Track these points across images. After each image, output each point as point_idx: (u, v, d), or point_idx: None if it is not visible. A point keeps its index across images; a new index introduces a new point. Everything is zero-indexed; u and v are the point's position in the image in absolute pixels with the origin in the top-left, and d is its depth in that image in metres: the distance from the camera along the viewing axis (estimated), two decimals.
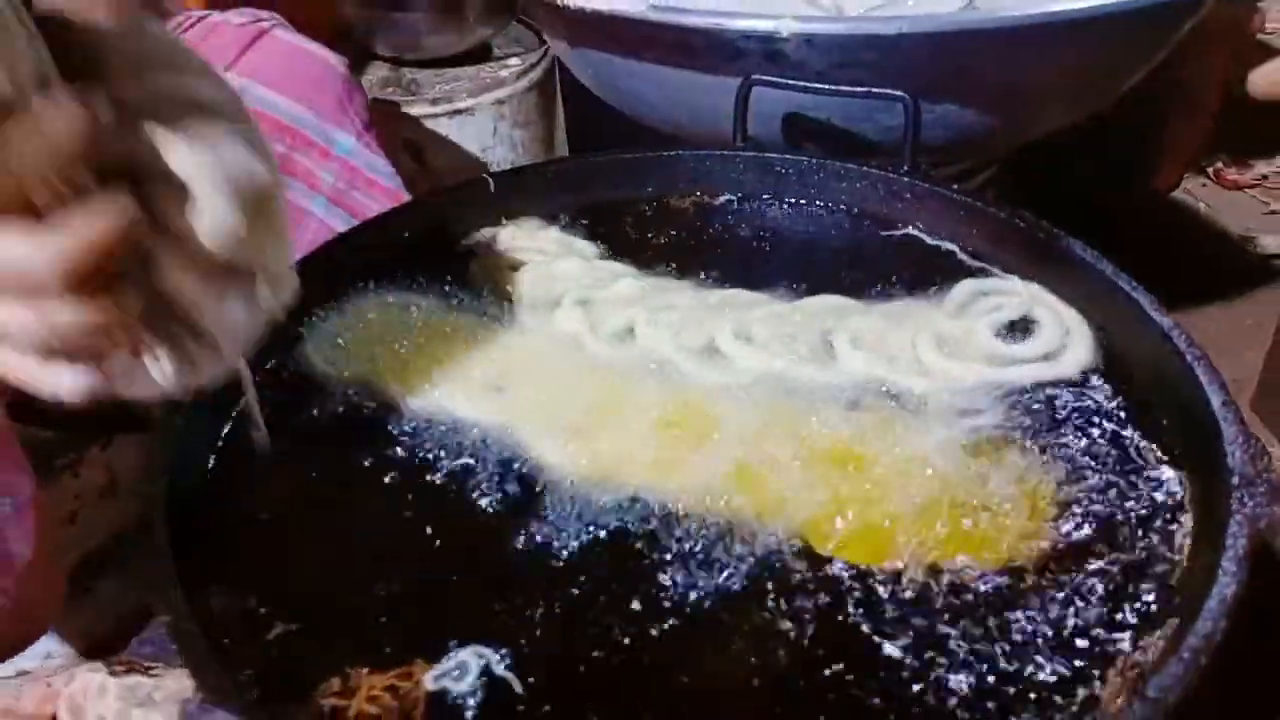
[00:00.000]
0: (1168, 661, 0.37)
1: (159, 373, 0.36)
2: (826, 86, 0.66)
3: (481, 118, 1.12)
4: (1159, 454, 0.49)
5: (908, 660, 0.41)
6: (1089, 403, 0.53)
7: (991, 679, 0.40)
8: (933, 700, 0.39)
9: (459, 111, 1.10)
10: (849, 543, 0.45)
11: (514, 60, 1.16)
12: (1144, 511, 0.47)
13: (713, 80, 0.73)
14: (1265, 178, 1.66)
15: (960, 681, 0.40)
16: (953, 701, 0.39)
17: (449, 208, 0.69)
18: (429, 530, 0.47)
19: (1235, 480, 0.43)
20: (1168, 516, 0.46)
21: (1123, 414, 0.52)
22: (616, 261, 0.67)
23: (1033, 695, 0.39)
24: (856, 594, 0.43)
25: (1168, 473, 0.48)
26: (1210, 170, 1.67)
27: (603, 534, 0.46)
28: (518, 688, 0.40)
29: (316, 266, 0.61)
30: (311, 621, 0.43)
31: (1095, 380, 0.54)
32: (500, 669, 0.41)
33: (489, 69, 1.15)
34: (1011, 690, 0.39)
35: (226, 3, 0.82)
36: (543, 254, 0.68)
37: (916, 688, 0.40)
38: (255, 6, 0.83)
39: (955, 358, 0.56)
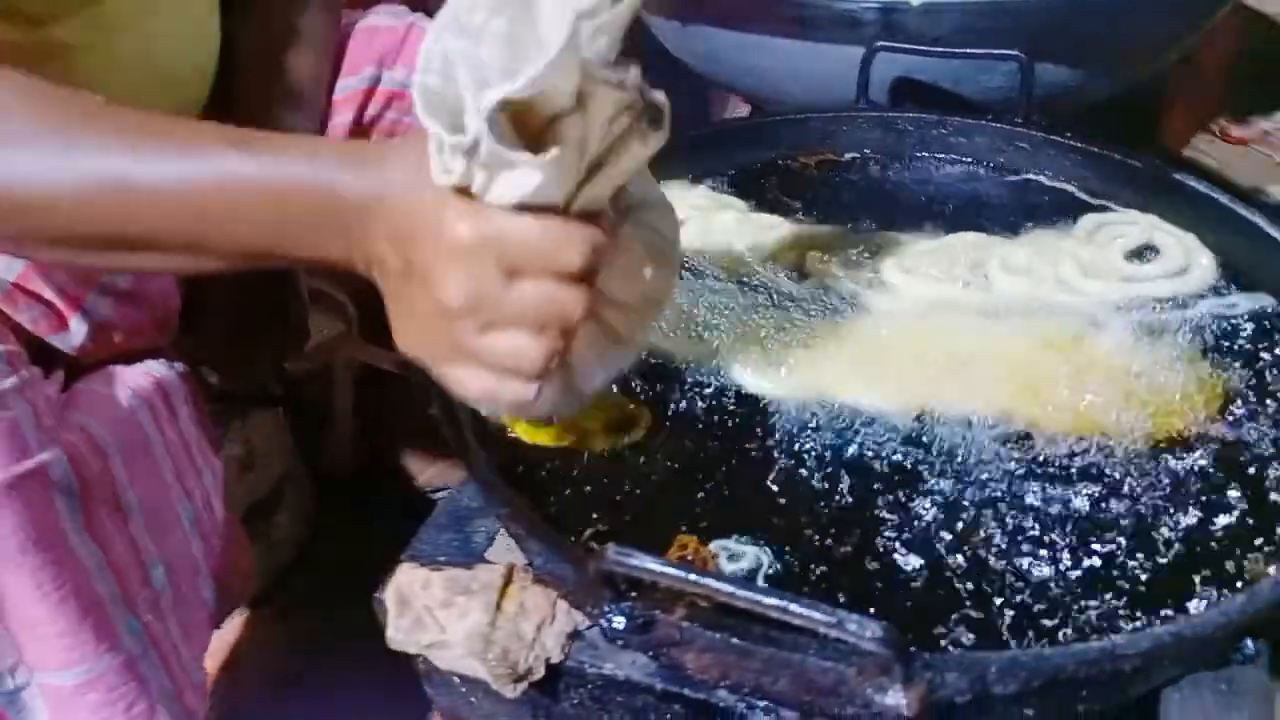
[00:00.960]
0: None
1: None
2: (953, 50, 0.74)
3: None
4: None
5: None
6: (1223, 310, 0.61)
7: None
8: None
9: None
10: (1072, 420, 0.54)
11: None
12: None
13: (832, 49, 0.81)
14: (1267, 133, 1.76)
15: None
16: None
17: None
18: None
19: None
20: None
21: (1256, 319, 0.61)
22: (766, 214, 0.74)
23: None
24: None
25: None
26: (1216, 128, 1.77)
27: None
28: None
29: None
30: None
31: (1227, 292, 0.63)
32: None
33: None
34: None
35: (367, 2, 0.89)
36: (697, 209, 0.75)
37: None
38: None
39: (1096, 278, 0.64)
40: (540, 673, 0.50)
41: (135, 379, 0.65)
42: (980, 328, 0.61)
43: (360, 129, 0.84)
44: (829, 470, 0.53)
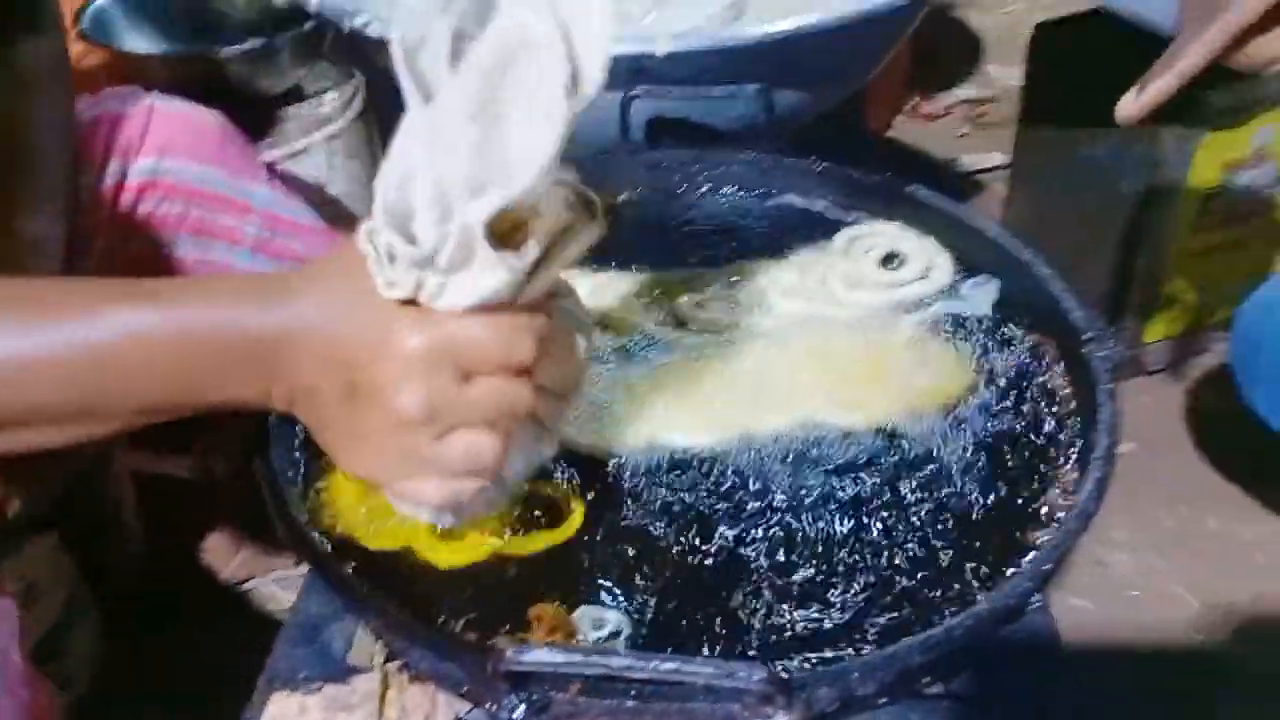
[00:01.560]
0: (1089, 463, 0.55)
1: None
2: (703, 89, 0.80)
3: (315, 156, 1.16)
4: (1026, 332, 0.68)
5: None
6: (963, 304, 0.71)
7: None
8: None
9: (296, 153, 1.13)
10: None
11: (330, 95, 1.20)
12: (1039, 374, 0.65)
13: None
14: (949, 108, 2.00)
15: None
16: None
17: None
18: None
19: (1086, 335, 0.63)
20: (1045, 373, 0.65)
21: (986, 300, 0.71)
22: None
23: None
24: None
25: (1031, 341, 0.68)
26: (909, 107, 1.99)
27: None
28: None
29: None
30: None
31: (962, 284, 0.73)
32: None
33: (308, 107, 1.18)
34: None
35: (94, 87, 0.82)
36: None
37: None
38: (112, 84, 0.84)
39: (858, 288, 0.72)
40: None
41: None
42: (776, 351, 0.67)
43: (117, 223, 0.79)
44: (668, 517, 0.57)
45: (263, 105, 1.15)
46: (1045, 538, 0.55)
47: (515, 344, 0.42)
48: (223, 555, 1.04)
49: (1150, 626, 1.07)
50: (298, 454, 0.59)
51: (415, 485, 0.43)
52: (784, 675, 0.41)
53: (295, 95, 1.19)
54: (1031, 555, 0.53)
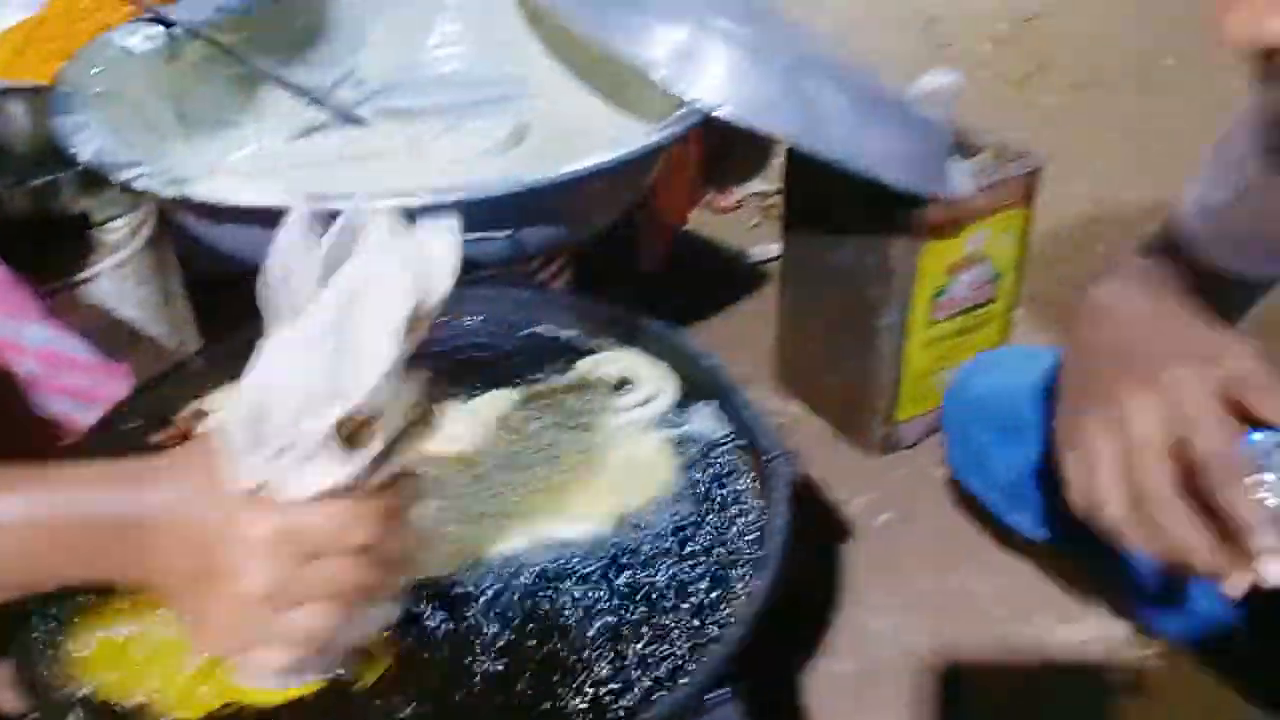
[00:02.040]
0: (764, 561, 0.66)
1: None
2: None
3: (104, 283, 1.18)
4: (734, 445, 0.80)
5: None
6: (690, 423, 0.82)
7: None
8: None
9: (84, 280, 1.16)
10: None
11: (118, 223, 1.23)
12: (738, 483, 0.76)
13: None
14: (741, 203, 2.17)
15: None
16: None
17: (167, 383, 0.82)
18: None
19: (772, 452, 0.74)
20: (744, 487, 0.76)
21: (703, 422, 0.82)
22: None
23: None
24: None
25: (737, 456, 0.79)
26: (705, 201, 2.14)
27: None
28: None
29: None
30: None
31: (687, 408, 0.84)
32: None
33: (96, 235, 1.21)
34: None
35: None
36: None
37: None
38: None
39: (592, 413, 0.82)
40: None
41: None
42: (514, 475, 0.76)
43: None
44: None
45: (49, 234, 1.17)
46: (726, 636, 0.65)
47: (353, 529, 0.48)
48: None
49: (903, 682, 1.19)
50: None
51: (261, 656, 0.49)
52: None
53: (83, 222, 1.21)
54: (710, 654, 0.63)
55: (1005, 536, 1.31)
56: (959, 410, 0.96)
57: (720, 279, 1.88)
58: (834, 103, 1.01)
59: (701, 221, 2.09)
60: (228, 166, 1.23)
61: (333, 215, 0.50)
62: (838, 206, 1.33)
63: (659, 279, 1.84)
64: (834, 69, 1.04)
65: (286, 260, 0.48)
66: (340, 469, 0.47)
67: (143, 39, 1.21)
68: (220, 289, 1.28)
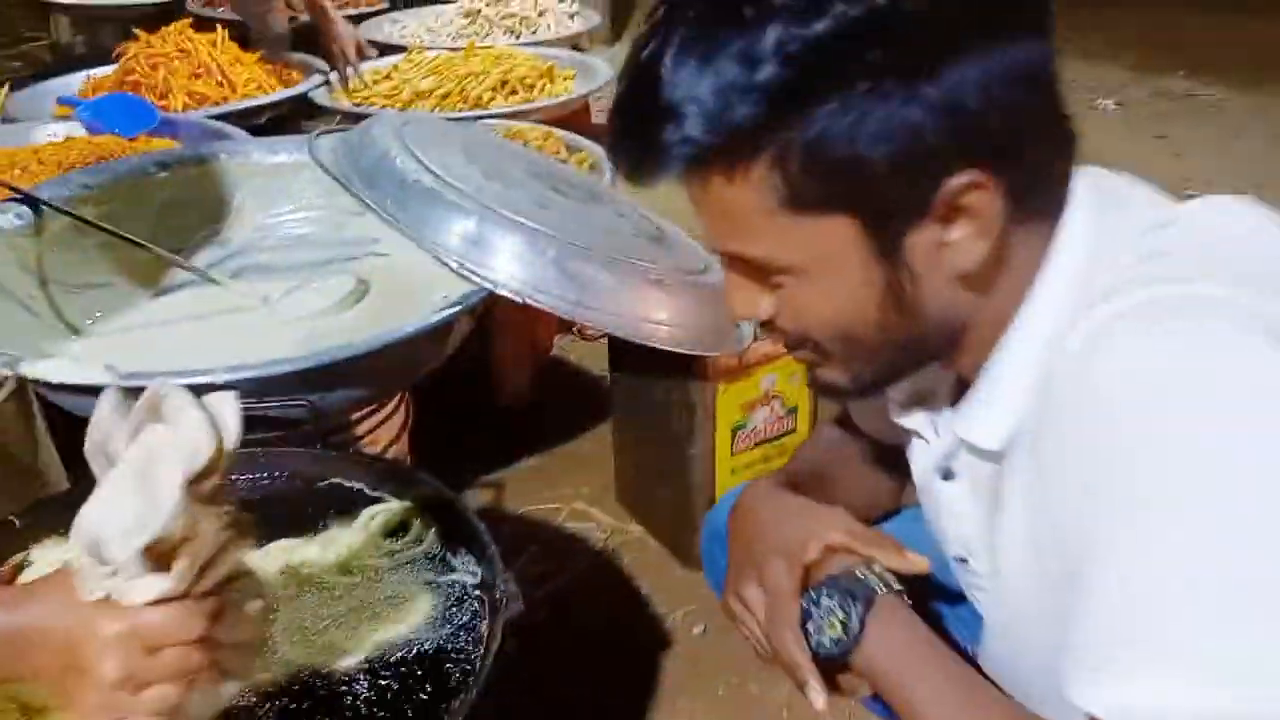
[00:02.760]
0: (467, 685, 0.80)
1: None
2: (264, 400, 1.04)
3: None
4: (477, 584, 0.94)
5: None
6: (451, 562, 0.96)
7: None
8: None
9: None
10: None
11: None
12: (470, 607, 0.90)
13: None
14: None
15: None
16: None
17: None
18: None
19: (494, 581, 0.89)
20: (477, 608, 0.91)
21: (460, 561, 0.96)
22: None
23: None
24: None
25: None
26: (575, 329, 2.32)
27: None
28: None
29: None
30: None
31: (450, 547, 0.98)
32: None
33: None
34: None
35: None
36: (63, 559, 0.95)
37: None
38: None
39: (361, 557, 0.96)
40: None
41: None
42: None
43: None
44: None
45: None
46: None
47: (185, 625, 0.62)
48: None
49: None
50: None
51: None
52: None
53: None
54: None
55: None
56: (709, 539, 1.12)
57: (581, 405, 2.04)
58: (604, 282, 1.19)
59: (569, 349, 2.27)
60: (88, 330, 1.38)
61: (139, 390, 0.65)
62: (647, 348, 1.50)
63: (520, 408, 2.00)
64: (612, 253, 1.23)
65: (103, 426, 0.65)
66: (160, 583, 0.62)
67: (11, 217, 1.36)
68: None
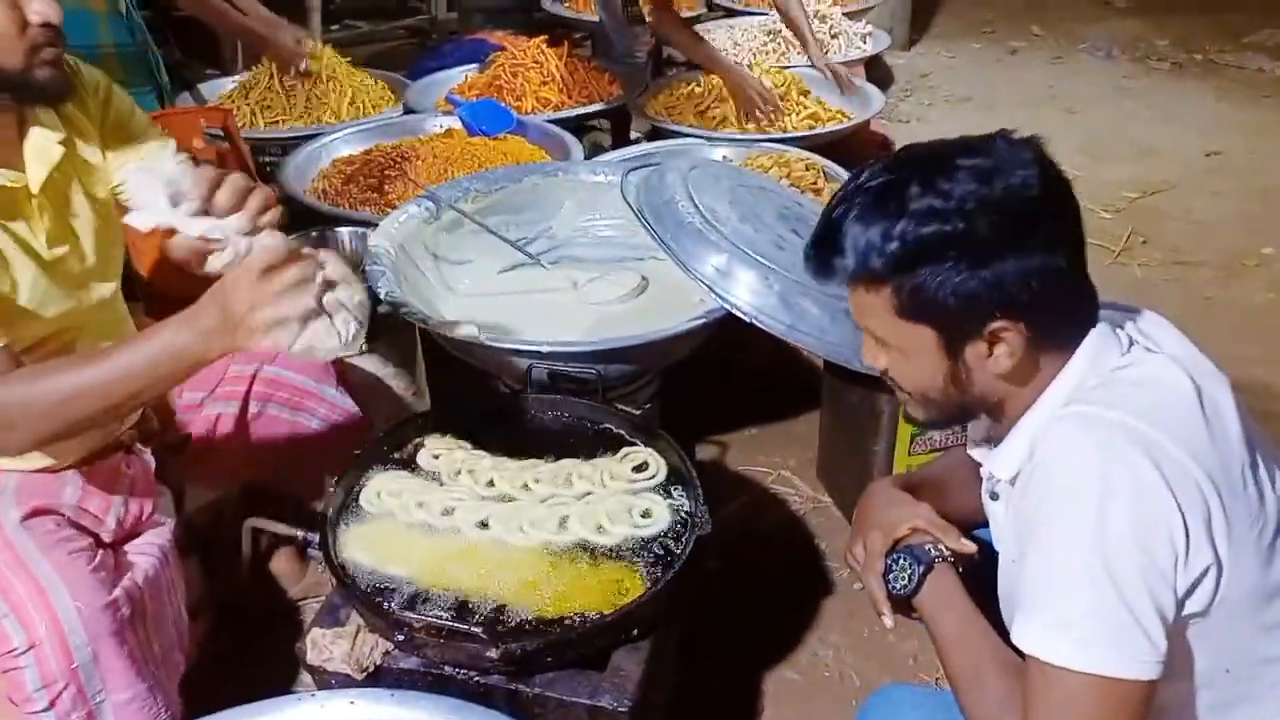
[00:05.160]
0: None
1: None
2: (568, 366, 1.58)
3: (377, 353, 1.96)
4: (687, 505, 1.43)
5: None
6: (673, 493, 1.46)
7: None
8: None
9: (365, 352, 1.94)
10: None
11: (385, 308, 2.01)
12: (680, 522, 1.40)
13: (515, 361, 1.63)
14: None
15: None
16: None
17: (405, 428, 1.55)
18: None
19: (696, 509, 1.37)
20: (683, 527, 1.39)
21: (675, 489, 1.45)
22: (479, 450, 1.54)
23: None
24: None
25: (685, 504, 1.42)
26: None
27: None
28: None
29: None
30: None
31: (667, 495, 1.47)
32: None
33: (378, 321, 1.99)
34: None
35: None
36: (445, 448, 1.54)
37: None
38: None
39: (616, 480, 1.48)
40: (372, 668, 1.26)
41: (151, 548, 1.37)
42: (539, 550, 1.41)
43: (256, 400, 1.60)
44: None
45: None
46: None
47: (270, 253, 1.10)
48: (292, 581, 1.82)
49: (835, 698, 1.75)
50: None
51: (276, 334, 1.09)
52: (494, 632, 1.17)
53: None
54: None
55: None
56: None
57: (802, 390, 2.46)
58: (814, 314, 1.62)
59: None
60: (462, 290, 1.99)
61: None
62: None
63: (752, 385, 2.46)
64: (823, 291, 1.65)
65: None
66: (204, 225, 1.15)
67: (419, 209, 2.00)
68: (446, 364, 2.05)
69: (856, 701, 1.73)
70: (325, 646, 1.26)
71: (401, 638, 1.22)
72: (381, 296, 1.72)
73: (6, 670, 1.23)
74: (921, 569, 1.14)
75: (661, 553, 1.36)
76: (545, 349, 1.59)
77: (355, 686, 1.23)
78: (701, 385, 2.34)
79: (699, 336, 1.73)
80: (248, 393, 1.61)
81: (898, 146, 1.54)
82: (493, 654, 1.18)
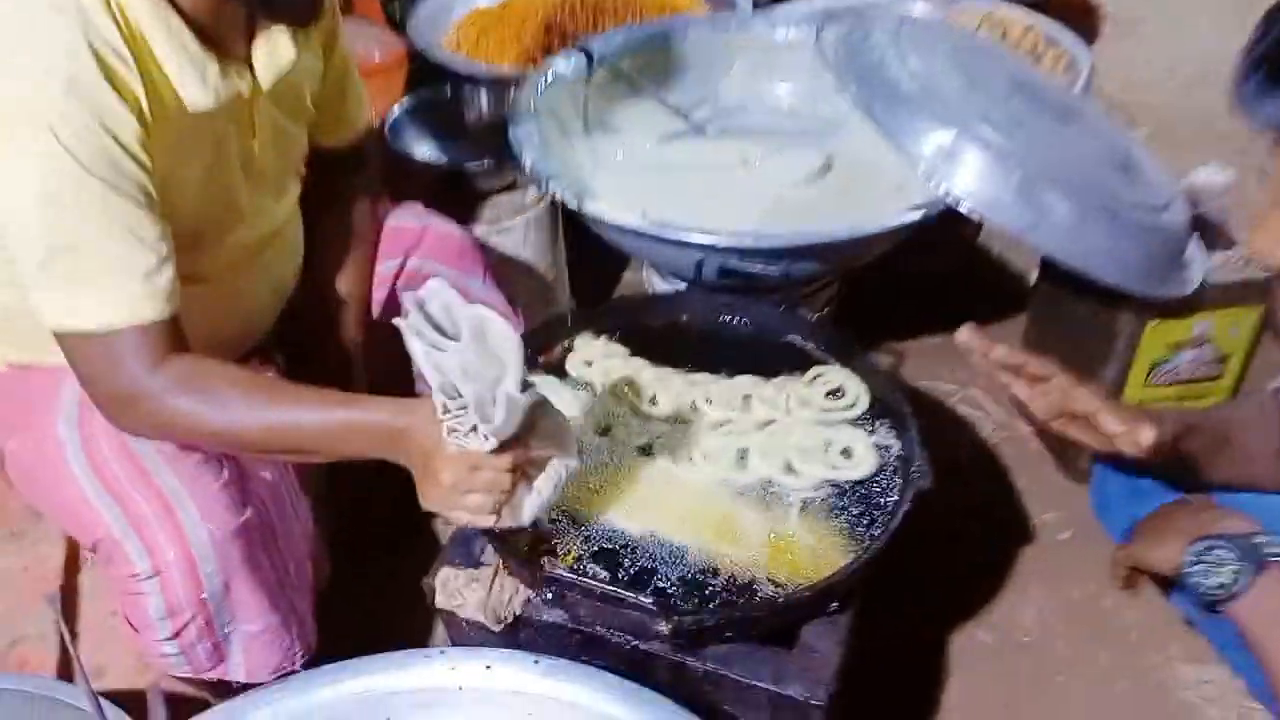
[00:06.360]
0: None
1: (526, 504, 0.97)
2: (747, 262, 1.29)
3: (515, 232, 1.71)
4: (898, 447, 1.15)
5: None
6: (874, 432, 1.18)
7: None
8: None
9: (503, 229, 1.69)
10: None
11: (534, 189, 1.75)
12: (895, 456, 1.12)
13: (681, 254, 1.35)
14: None
15: None
16: None
17: (551, 327, 1.31)
18: None
19: (912, 456, 1.09)
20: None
21: (879, 423, 1.18)
22: (638, 358, 1.29)
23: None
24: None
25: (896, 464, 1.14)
26: None
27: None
28: None
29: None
30: None
31: (870, 426, 1.19)
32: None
33: (517, 196, 1.73)
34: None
35: (397, 200, 1.41)
36: (598, 354, 1.29)
37: None
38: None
39: (804, 407, 1.20)
40: (510, 619, 1.05)
41: (276, 466, 1.18)
42: (713, 488, 1.13)
43: (389, 294, 1.37)
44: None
45: (488, 195, 1.71)
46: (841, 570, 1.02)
47: (499, 460, 0.91)
48: None
49: (1034, 661, 1.48)
50: None
51: (453, 514, 0.96)
52: (661, 600, 0.93)
53: (511, 187, 1.74)
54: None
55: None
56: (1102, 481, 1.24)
57: (998, 295, 2.11)
58: (1062, 211, 1.27)
59: (992, 237, 2.30)
60: (614, 164, 1.70)
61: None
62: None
63: (943, 287, 2.11)
64: (1076, 181, 1.30)
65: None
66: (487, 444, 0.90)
67: (569, 66, 1.70)
68: (591, 257, 1.79)
69: (1063, 676, 1.46)
70: (457, 590, 1.06)
71: (550, 596, 1.00)
72: (527, 168, 1.46)
73: (128, 593, 1.06)
74: (1252, 567, 0.85)
75: (866, 506, 1.09)
76: (724, 242, 1.30)
77: (492, 644, 1.03)
78: (875, 279, 2.01)
79: (900, 236, 1.41)
80: (393, 288, 1.38)
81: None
82: (662, 628, 0.94)
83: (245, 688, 1.13)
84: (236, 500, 1.07)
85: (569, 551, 1.05)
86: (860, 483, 1.12)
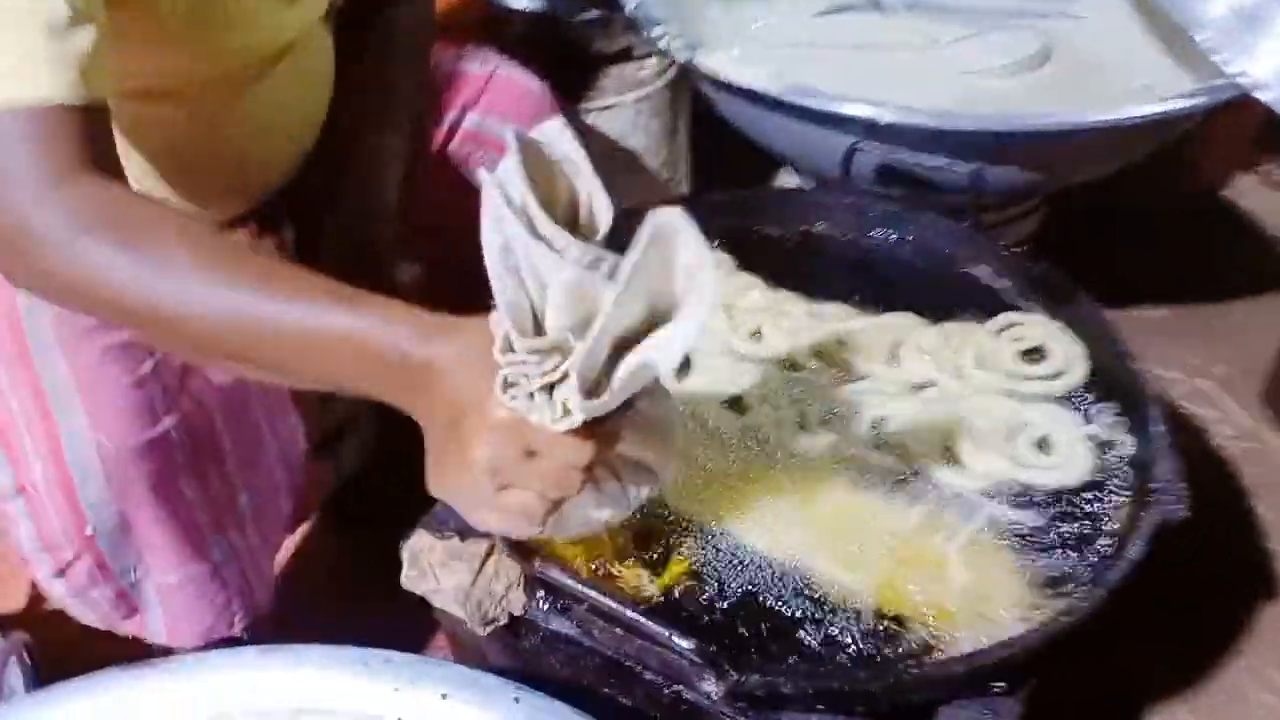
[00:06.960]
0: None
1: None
2: (921, 155, 0.89)
3: (624, 112, 1.35)
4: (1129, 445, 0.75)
5: None
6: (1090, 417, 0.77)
7: None
8: None
9: (607, 107, 1.33)
10: None
11: (651, 60, 1.38)
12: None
13: (825, 137, 0.96)
14: None
15: None
16: None
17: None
18: None
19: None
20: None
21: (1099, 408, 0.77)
22: (747, 274, 0.91)
23: None
24: None
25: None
26: (1260, 170, 1.83)
27: None
28: None
29: None
30: None
31: (1083, 404, 0.78)
32: None
33: (630, 69, 1.37)
34: None
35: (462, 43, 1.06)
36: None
37: None
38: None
39: (985, 369, 0.80)
40: (504, 620, 0.71)
41: None
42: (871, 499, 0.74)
43: (441, 160, 1.03)
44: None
45: (592, 62, 1.35)
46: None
47: (577, 449, 0.52)
48: None
49: None
50: None
51: (477, 515, 0.57)
52: (713, 651, 0.56)
53: (623, 56, 1.38)
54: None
55: None
56: None
57: (1244, 261, 1.62)
58: None
59: (1248, 193, 1.80)
60: (752, 33, 1.32)
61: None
62: None
63: (1166, 240, 1.64)
64: None
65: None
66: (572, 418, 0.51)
67: None
68: (717, 135, 1.41)
69: None
70: (430, 568, 0.73)
71: (546, 605, 0.65)
72: (631, 9, 1.09)
73: None
74: None
75: (1070, 533, 0.70)
76: (892, 117, 0.90)
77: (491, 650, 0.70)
78: (1090, 218, 1.54)
79: (1162, 134, 0.96)
80: (442, 151, 1.05)
81: None
82: (711, 686, 0.59)
83: (169, 652, 0.84)
84: (154, 405, 0.76)
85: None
86: (1062, 493, 0.72)
